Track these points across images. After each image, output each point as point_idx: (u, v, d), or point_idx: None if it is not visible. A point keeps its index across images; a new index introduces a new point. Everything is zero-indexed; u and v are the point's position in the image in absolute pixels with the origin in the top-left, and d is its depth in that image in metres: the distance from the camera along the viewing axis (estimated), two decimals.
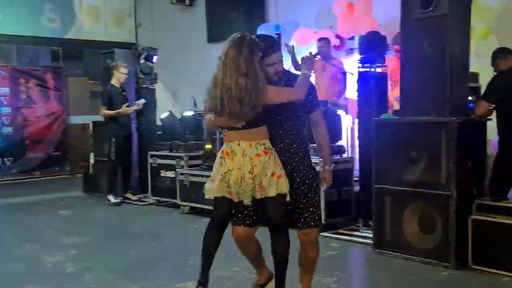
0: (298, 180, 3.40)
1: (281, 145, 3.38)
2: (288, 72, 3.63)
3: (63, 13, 11.23)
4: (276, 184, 3.25)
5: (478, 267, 4.46)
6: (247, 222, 3.48)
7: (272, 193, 3.25)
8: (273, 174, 3.24)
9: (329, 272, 4.42)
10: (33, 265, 5.04)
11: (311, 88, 3.46)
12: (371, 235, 5.21)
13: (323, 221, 4.16)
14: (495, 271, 4.37)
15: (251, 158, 3.22)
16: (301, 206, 3.41)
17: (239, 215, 3.48)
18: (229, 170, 3.26)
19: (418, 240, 4.77)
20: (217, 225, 3.50)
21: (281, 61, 3.36)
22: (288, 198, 3.31)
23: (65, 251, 5.46)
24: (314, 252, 3.55)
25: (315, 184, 3.49)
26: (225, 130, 3.35)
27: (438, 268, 4.53)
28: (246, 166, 3.23)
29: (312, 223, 3.42)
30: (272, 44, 3.36)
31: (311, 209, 3.41)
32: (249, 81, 3.08)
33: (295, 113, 3.41)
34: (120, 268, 4.84)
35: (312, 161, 3.65)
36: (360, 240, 5.44)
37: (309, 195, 3.42)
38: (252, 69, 3.10)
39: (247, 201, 3.31)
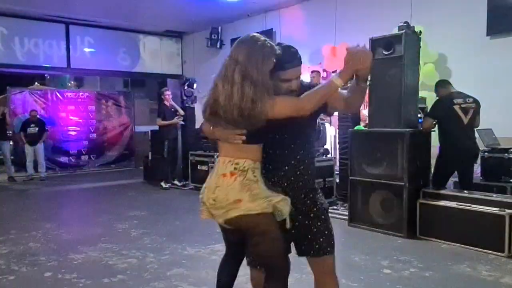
0: (301, 210, 1.96)
1: (286, 168, 1.92)
2: (305, 84, 1.97)
3: (131, 54, 11.35)
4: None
5: (424, 237, 4.38)
6: (248, 259, 2.00)
7: (232, 214, 1.80)
8: (238, 202, 1.78)
9: None
10: (108, 230, 5.04)
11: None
12: (346, 213, 5.13)
13: None
14: (436, 240, 4.29)
15: (218, 178, 1.85)
16: (308, 236, 1.95)
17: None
18: (204, 187, 1.94)
19: (381, 217, 4.69)
20: (230, 255, 2.07)
21: (298, 78, 1.89)
22: (288, 224, 1.86)
23: (130, 220, 5.45)
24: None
25: (316, 208, 2.01)
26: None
27: (394, 238, 4.45)
28: (212, 187, 1.87)
29: (317, 250, 1.93)
30: (292, 57, 1.86)
31: (311, 236, 1.94)
32: (256, 89, 1.73)
33: (303, 126, 1.93)
34: (168, 233, 4.80)
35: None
36: (339, 216, 5.35)
37: (307, 222, 1.96)
38: (261, 76, 1.75)
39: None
